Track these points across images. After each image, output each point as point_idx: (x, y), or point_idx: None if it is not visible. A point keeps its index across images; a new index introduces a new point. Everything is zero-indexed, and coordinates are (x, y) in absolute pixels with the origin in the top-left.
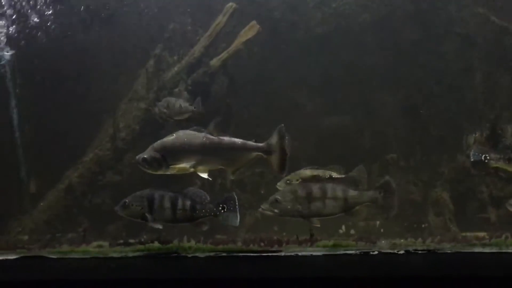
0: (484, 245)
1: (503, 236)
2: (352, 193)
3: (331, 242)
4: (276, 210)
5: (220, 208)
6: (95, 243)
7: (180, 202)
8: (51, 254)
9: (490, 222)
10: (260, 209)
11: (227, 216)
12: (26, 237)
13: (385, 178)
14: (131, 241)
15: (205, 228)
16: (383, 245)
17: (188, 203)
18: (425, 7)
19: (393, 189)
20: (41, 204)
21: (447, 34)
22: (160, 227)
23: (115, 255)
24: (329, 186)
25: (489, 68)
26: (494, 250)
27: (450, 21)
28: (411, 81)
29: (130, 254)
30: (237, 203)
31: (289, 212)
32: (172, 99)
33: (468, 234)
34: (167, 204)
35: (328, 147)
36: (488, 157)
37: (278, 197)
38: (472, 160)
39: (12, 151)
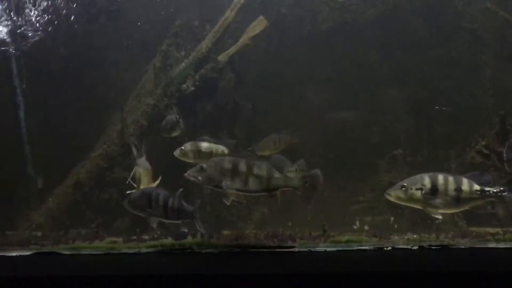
0: (498, 241)
1: None
2: (277, 174)
3: (344, 238)
4: (199, 178)
5: None
6: (108, 239)
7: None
8: (64, 250)
9: (498, 217)
10: (185, 174)
11: None
12: (39, 233)
13: (315, 170)
14: (145, 237)
15: None
16: (397, 241)
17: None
18: (432, 2)
19: (320, 183)
20: (50, 199)
21: (455, 29)
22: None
23: (128, 251)
24: (256, 164)
25: (498, 63)
26: (508, 245)
27: (457, 16)
28: (418, 77)
29: (144, 250)
30: None
31: (212, 181)
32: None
33: (476, 229)
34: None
35: (334, 142)
36: None
37: (204, 165)
38: (505, 159)
39: (21, 147)
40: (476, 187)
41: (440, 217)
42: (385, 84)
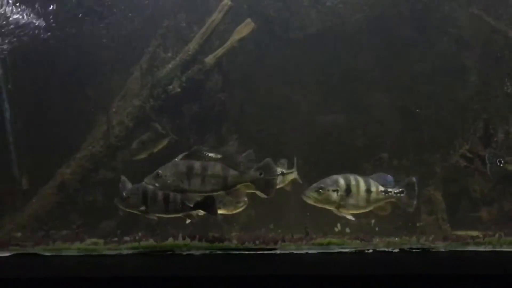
0: (477, 244)
1: (496, 235)
2: (232, 172)
3: (326, 240)
4: (157, 184)
5: None
6: (89, 241)
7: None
8: (45, 251)
9: (482, 221)
10: (143, 182)
11: None
12: (19, 234)
13: (266, 160)
14: (126, 238)
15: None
16: (378, 244)
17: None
18: (420, 7)
19: (274, 170)
20: (33, 200)
21: (441, 34)
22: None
23: (109, 252)
24: (210, 164)
25: (483, 68)
26: (487, 248)
27: (443, 21)
28: (404, 81)
29: (125, 252)
30: None
31: (170, 186)
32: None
33: (460, 233)
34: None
35: (321, 146)
36: (502, 161)
37: (160, 171)
38: (488, 165)
39: (5, 147)
40: (381, 188)
41: (352, 218)
42: (372, 87)
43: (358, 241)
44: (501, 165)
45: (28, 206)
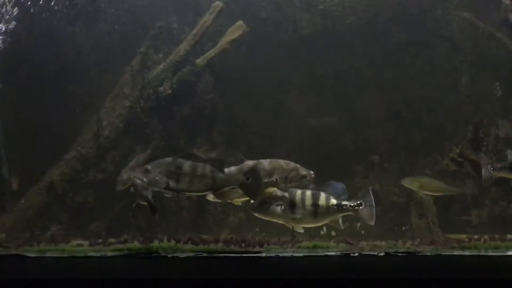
0: (463, 248)
1: (482, 239)
2: (220, 174)
3: (312, 244)
4: (144, 179)
5: None
6: (74, 242)
7: None
8: (29, 252)
9: (472, 224)
10: (131, 176)
11: None
12: (3, 235)
13: (253, 165)
14: (111, 240)
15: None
16: (364, 247)
17: None
18: (412, 10)
19: (259, 176)
20: (22, 201)
21: (434, 37)
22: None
23: (94, 254)
24: (200, 165)
25: (474, 71)
26: (473, 253)
27: (436, 25)
28: (396, 84)
29: (110, 254)
30: None
31: (157, 183)
32: None
33: (450, 236)
34: None
35: (313, 148)
36: (492, 168)
37: (149, 167)
38: (483, 175)
39: None
40: (333, 201)
41: (301, 230)
42: (364, 90)
43: (344, 244)
44: (494, 171)
45: (17, 207)
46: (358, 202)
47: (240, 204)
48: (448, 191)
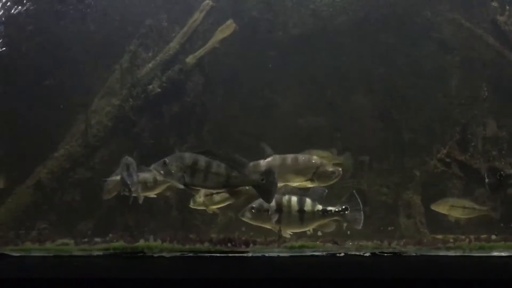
0: (448, 249)
1: (466, 240)
2: (235, 173)
3: (298, 244)
4: (162, 172)
5: None
6: (59, 241)
7: None
8: (13, 251)
9: (460, 225)
10: (151, 167)
11: None
12: None
13: (269, 167)
14: (97, 239)
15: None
16: (350, 247)
17: None
18: (402, 11)
19: (274, 178)
20: (9, 200)
21: (423, 38)
22: None
23: (79, 253)
24: (215, 162)
25: (463, 72)
26: (458, 253)
27: (426, 26)
28: (385, 84)
29: (95, 253)
30: None
31: (173, 176)
32: None
33: (438, 236)
34: None
35: (302, 147)
36: (503, 175)
37: (167, 160)
38: (487, 180)
39: None
40: (319, 207)
41: (288, 236)
42: (354, 90)
43: (330, 245)
44: (501, 178)
45: (4, 206)
46: (344, 207)
47: (215, 211)
48: (478, 212)
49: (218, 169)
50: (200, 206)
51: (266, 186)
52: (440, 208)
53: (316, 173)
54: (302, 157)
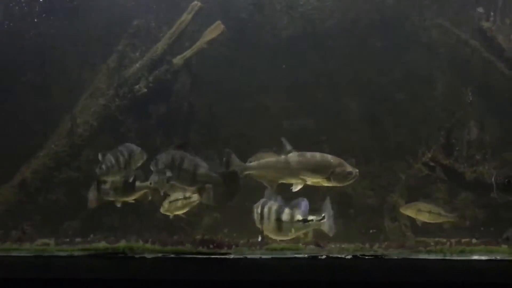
0: (429, 252)
1: (447, 243)
2: (201, 170)
3: (280, 246)
4: (153, 168)
5: None
6: (40, 241)
7: None
8: None
9: (444, 228)
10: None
11: None
12: None
13: (234, 165)
14: (78, 239)
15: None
16: (332, 250)
17: None
18: (390, 15)
19: (237, 180)
20: None
21: (410, 43)
22: None
23: (60, 253)
24: (187, 159)
25: (449, 77)
26: (438, 256)
27: (413, 31)
28: (373, 87)
29: (76, 253)
30: None
31: (160, 173)
32: None
33: (423, 239)
34: None
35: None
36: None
37: (157, 157)
38: (495, 185)
39: None
40: (299, 217)
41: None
42: (341, 93)
43: (313, 247)
44: (510, 184)
45: None
46: (323, 215)
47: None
48: (445, 218)
49: (187, 166)
50: (166, 212)
51: (228, 188)
52: (408, 211)
53: (333, 173)
54: (320, 155)
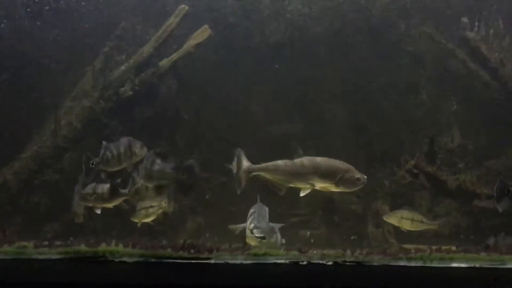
0: (409, 259)
1: (428, 251)
2: (157, 166)
3: (262, 251)
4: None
5: None
6: (18, 244)
7: None
8: None
9: (427, 235)
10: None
11: None
12: None
13: (189, 161)
14: (57, 242)
15: None
16: (313, 255)
17: None
18: (376, 23)
19: (196, 173)
20: None
21: (396, 51)
22: None
23: (39, 256)
24: (148, 155)
25: (433, 85)
26: (418, 264)
27: (399, 39)
28: (359, 95)
29: (54, 257)
30: None
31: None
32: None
33: (407, 246)
34: None
35: (275, 155)
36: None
37: None
38: (496, 195)
39: None
40: (251, 225)
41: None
42: (327, 100)
43: (294, 252)
44: (510, 194)
45: None
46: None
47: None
48: (427, 226)
49: (146, 164)
50: (135, 219)
51: (185, 182)
52: (391, 219)
53: (342, 178)
54: (330, 160)
